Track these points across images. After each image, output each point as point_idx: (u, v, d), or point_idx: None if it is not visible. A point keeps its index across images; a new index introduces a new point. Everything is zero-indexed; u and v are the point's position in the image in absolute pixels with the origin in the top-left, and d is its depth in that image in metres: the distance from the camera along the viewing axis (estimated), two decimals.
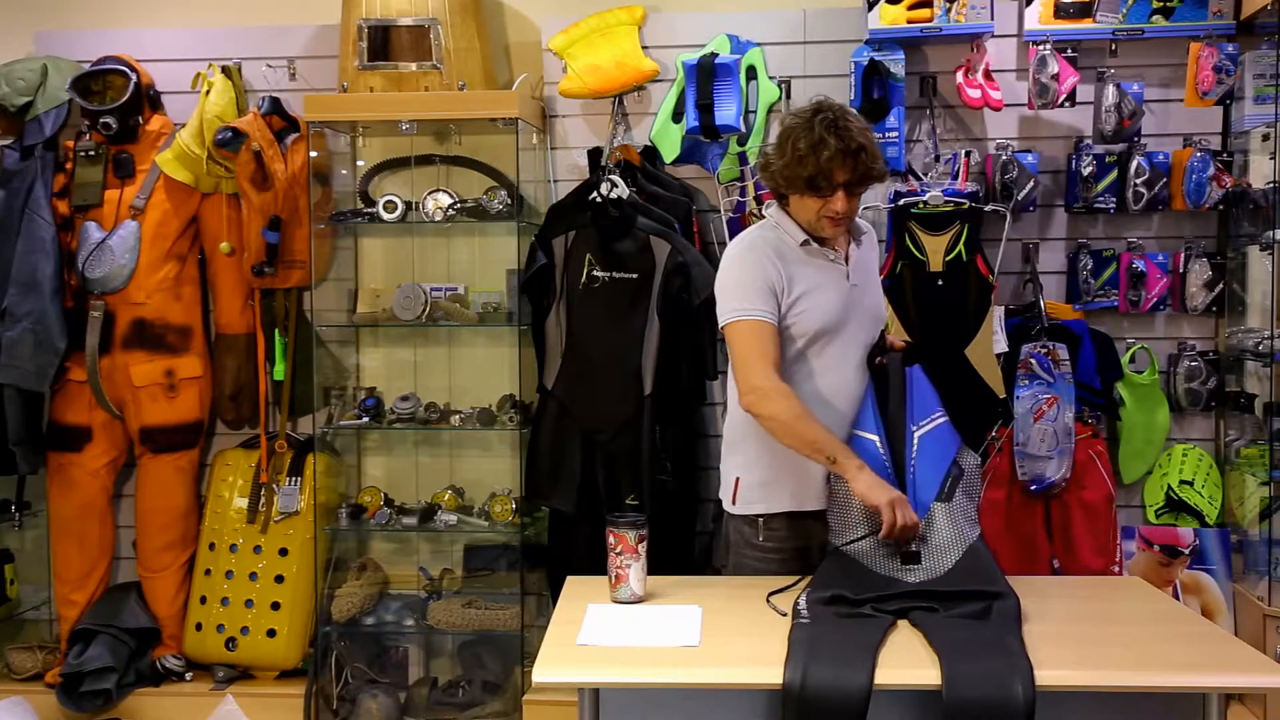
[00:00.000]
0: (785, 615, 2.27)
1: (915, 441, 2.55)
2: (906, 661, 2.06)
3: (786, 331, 2.59)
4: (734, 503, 2.70)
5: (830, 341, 2.62)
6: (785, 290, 2.57)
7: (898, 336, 2.80)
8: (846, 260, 2.66)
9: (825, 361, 2.62)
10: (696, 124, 3.55)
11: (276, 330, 3.83)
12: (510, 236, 3.71)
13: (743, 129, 3.60)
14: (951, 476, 2.50)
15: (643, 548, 2.39)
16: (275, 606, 3.76)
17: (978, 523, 2.49)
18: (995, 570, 2.37)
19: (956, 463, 2.54)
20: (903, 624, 2.23)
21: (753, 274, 2.58)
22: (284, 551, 3.80)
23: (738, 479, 2.69)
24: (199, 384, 3.84)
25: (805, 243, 2.62)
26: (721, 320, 2.61)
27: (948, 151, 3.61)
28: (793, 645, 2.09)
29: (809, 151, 2.49)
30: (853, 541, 2.46)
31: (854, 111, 2.61)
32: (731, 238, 3.62)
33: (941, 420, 2.58)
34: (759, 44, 3.71)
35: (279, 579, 3.78)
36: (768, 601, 2.37)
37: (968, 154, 3.57)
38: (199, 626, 3.80)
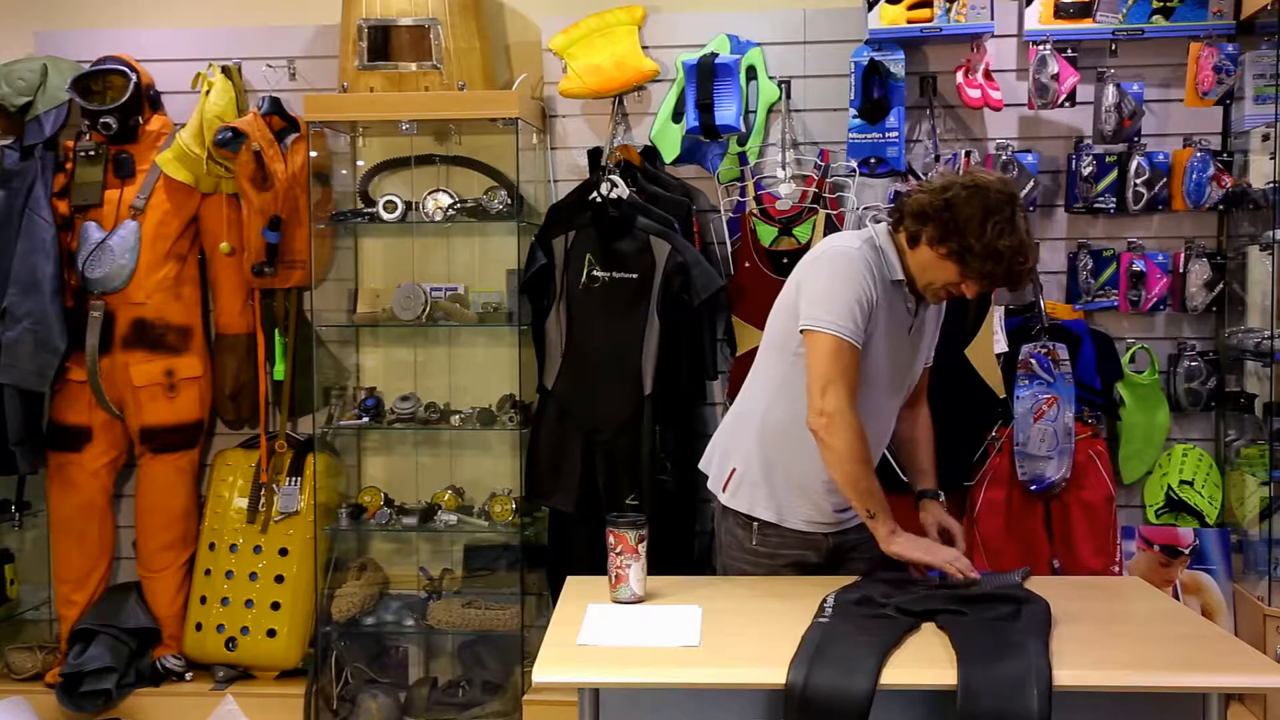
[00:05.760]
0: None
1: None
2: (920, 663, 2.05)
3: None
4: (724, 490, 2.69)
5: (870, 388, 2.53)
6: (870, 319, 2.48)
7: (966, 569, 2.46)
8: (916, 313, 2.59)
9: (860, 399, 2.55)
10: (696, 124, 3.54)
11: (276, 330, 3.82)
12: (510, 236, 3.71)
13: (743, 129, 3.60)
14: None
15: (643, 548, 2.39)
16: (275, 606, 3.76)
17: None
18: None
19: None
20: (927, 626, 2.20)
21: (856, 291, 2.46)
22: (284, 551, 3.80)
23: (734, 469, 2.67)
24: (199, 384, 3.84)
25: (899, 282, 2.53)
26: (808, 324, 2.47)
27: (948, 152, 3.61)
28: (802, 644, 2.08)
29: (1010, 253, 2.36)
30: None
31: None
32: (731, 237, 3.67)
33: None
34: (759, 44, 3.70)
35: (279, 579, 3.78)
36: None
37: (968, 154, 3.57)
38: (199, 626, 3.80)
